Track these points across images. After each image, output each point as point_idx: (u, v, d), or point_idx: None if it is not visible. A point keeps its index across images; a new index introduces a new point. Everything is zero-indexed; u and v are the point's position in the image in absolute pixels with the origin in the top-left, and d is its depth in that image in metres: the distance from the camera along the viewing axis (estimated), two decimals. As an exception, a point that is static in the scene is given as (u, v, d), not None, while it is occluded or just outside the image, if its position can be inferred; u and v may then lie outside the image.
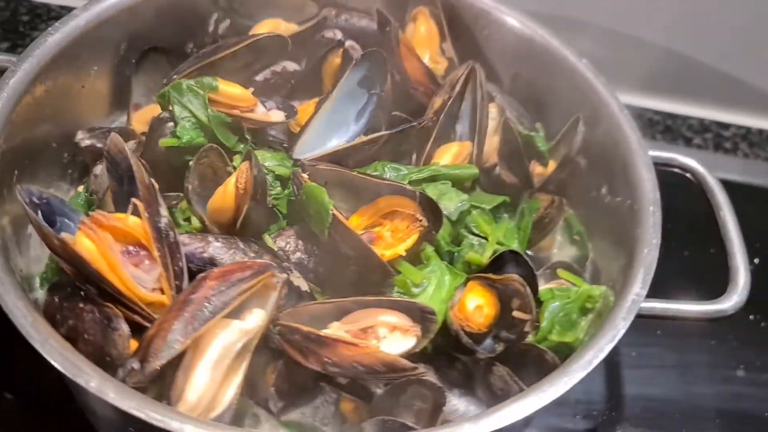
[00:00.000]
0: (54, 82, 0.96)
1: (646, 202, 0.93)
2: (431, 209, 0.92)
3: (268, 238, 0.95)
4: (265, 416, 0.89)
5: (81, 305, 0.78)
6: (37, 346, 0.68)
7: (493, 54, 1.16)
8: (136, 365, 0.72)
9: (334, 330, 0.83)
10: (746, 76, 1.55)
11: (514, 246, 1.05)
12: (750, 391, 1.17)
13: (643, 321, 1.19)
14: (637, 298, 0.83)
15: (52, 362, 0.67)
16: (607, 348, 0.78)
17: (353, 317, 0.86)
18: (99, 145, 1.01)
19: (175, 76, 1.00)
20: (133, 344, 0.77)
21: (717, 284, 0.97)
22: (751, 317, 1.27)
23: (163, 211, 0.83)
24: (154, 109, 1.08)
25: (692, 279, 1.20)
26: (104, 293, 0.79)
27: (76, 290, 0.80)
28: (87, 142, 1.01)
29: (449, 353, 0.92)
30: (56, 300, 0.80)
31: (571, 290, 0.95)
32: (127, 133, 1.05)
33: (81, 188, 1.00)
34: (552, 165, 1.09)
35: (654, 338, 1.21)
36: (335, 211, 0.89)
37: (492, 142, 1.09)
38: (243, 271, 0.81)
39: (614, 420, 1.14)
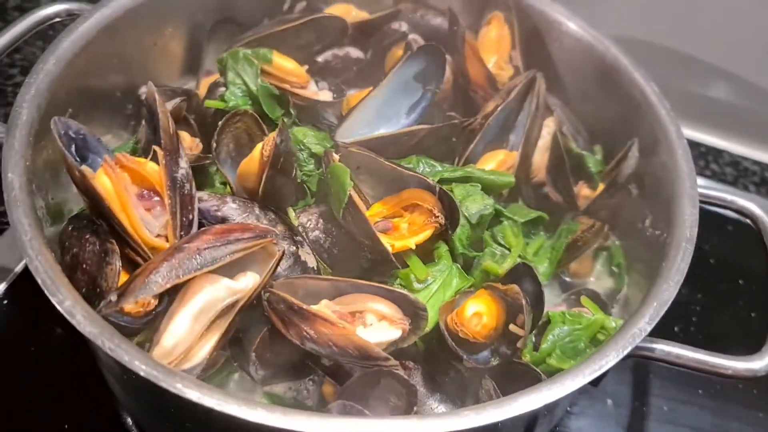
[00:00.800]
0: (125, 34, 1.02)
1: (680, 237, 0.86)
2: (449, 207, 0.89)
3: (291, 212, 0.96)
4: (250, 385, 0.90)
5: (87, 236, 0.82)
6: (27, 260, 0.72)
7: (563, 67, 1.12)
8: (113, 297, 0.74)
9: (322, 307, 0.82)
10: None
11: (545, 265, 1.01)
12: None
13: (683, 375, 1.12)
14: (638, 332, 0.76)
15: (35, 276, 0.71)
16: (590, 376, 0.73)
17: (346, 299, 0.85)
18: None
19: (235, 44, 1.04)
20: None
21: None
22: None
23: (183, 163, 0.86)
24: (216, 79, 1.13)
25: (742, 335, 1.10)
26: (113, 230, 0.83)
27: (91, 224, 0.84)
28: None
29: (445, 359, 0.89)
30: (70, 228, 0.84)
31: (584, 318, 0.89)
32: (190, 96, 1.10)
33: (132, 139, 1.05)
34: (600, 188, 1.03)
35: (694, 396, 1.12)
36: (353, 193, 0.89)
37: (543, 158, 1.05)
38: (243, 232, 0.82)
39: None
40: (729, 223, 1.28)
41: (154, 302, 0.85)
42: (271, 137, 0.91)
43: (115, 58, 1.02)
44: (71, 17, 1.01)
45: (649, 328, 0.77)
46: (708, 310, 1.20)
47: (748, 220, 0.96)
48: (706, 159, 1.43)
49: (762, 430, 1.10)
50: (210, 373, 0.86)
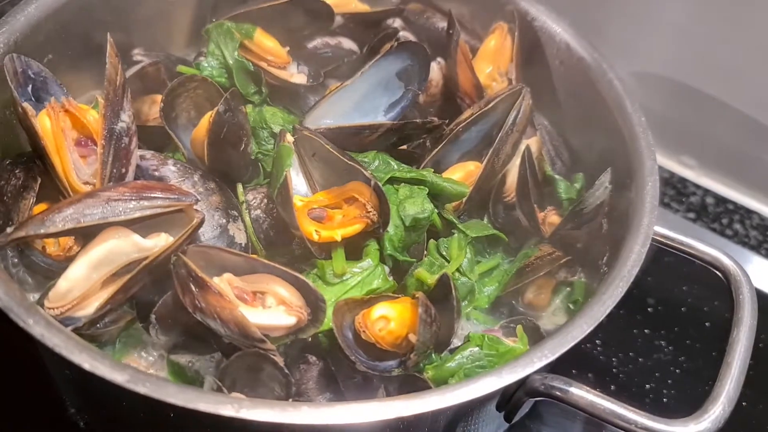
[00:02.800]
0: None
1: (616, 277, 0.78)
2: (382, 205, 0.85)
3: (240, 187, 0.95)
4: (157, 353, 0.89)
5: (17, 171, 0.85)
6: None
7: (562, 88, 1.06)
8: (9, 230, 0.75)
9: (222, 280, 0.80)
10: None
11: (492, 287, 0.95)
12: None
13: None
14: (530, 360, 0.70)
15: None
16: (458, 400, 0.66)
17: (252, 278, 0.82)
18: (141, 60, 1.08)
19: (223, 17, 1.04)
20: (37, 219, 0.81)
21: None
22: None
23: (125, 116, 0.87)
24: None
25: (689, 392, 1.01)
26: (47, 171, 0.85)
27: (28, 161, 0.87)
28: (138, 58, 1.09)
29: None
30: (7, 163, 0.87)
31: (503, 344, 0.82)
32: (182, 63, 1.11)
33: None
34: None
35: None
36: (289, 174, 0.87)
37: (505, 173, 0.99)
38: (163, 192, 0.82)
39: None
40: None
41: (76, 248, 0.86)
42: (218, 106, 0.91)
43: (110, 16, 1.04)
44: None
45: (543, 360, 0.70)
46: (689, 373, 1.10)
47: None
48: (732, 217, 1.31)
49: None
50: (111, 329, 0.85)
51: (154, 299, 0.85)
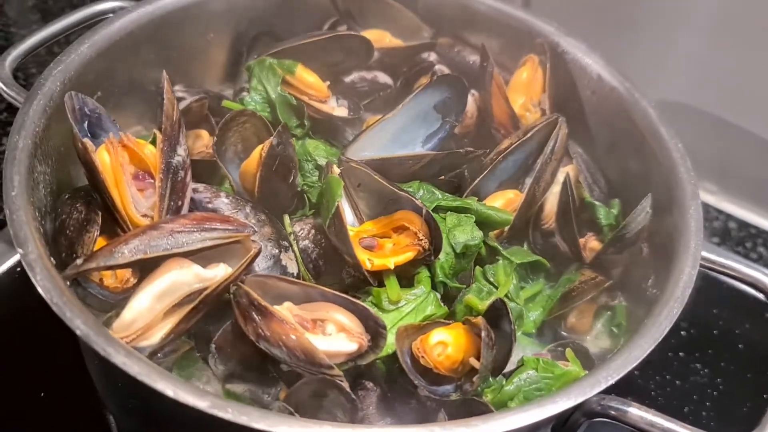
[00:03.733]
0: (166, 32, 1.07)
1: (669, 295, 0.80)
2: (434, 232, 0.87)
3: (287, 219, 0.97)
4: (212, 379, 0.89)
5: (78, 205, 0.86)
6: (6, 213, 0.76)
7: (593, 116, 1.09)
8: (79, 261, 0.77)
9: (283, 308, 0.82)
10: None
11: (537, 312, 0.97)
12: None
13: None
14: (595, 382, 0.71)
15: (9, 227, 0.74)
16: (528, 421, 0.68)
17: (311, 306, 0.84)
18: (184, 97, 1.10)
19: (265, 53, 1.07)
20: (99, 252, 0.82)
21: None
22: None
23: (181, 150, 0.89)
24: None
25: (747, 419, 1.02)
26: (105, 205, 0.86)
27: (86, 196, 0.88)
28: (180, 95, 1.11)
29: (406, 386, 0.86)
30: (66, 197, 0.88)
31: (558, 367, 0.84)
32: (220, 100, 1.14)
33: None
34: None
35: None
36: (341, 205, 0.89)
37: (555, 205, 1.01)
38: (222, 223, 0.84)
39: None
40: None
41: (133, 280, 0.87)
42: (268, 143, 0.93)
43: (153, 53, 1.07)
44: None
45: (609, 381, 0.72)
46: (725, 395, 1.11)
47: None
48: (755, 242, 1.34)
49: None
50: (172, 358, 0.86)
51: (211, 329, 0.86)
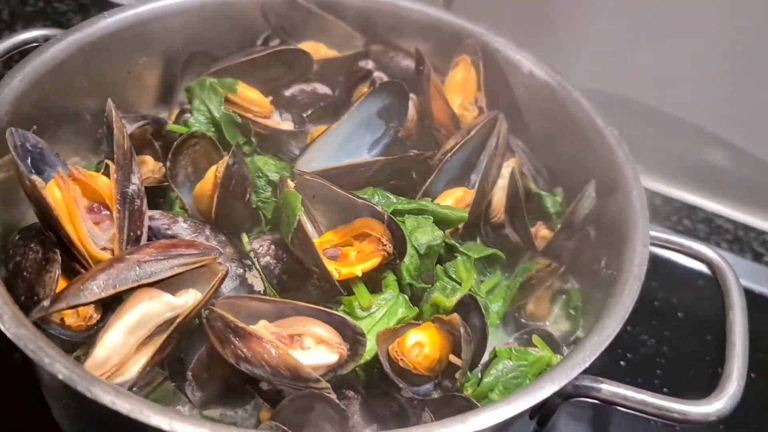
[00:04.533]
0: (98, 59, 1.04)
1: (628, 275, 0.85)
2: (397, 236, 0.89)
3: (245, 237, 0.96)
4: (189, 408, 0.88)
5: (32, 245, 0.83)
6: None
7: (527, 110, 1.13)
8: (46, 303, 0.74)
9: (259, 327, 0.82)
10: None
11: (498, 304, 1.00)
12: None
13: (642, 422, 1.09)
14: (576, 364, 0.75)
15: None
16: (522, 405, 0.71)
17: (286, 322, 0.84)
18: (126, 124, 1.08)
19: (204, 73, 1.06)
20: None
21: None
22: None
23: (135, 179, 0.87)
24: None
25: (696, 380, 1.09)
26: (60, 242, 0.83)
27: (39, 234, 0.85)
28: (116, 121, 1.09)
29: (387, 391, 0.88)
30: (17, 238, 0.85)
31: (531, 355, 0.87)
32: (159, 122, 1.12)
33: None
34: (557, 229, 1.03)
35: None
36: (302, 218, 0.89)
37: (503, 198, 1.05)
38: (187, 248, 0.83)
39: None
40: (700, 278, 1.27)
41: (96, 316, 0.85)
42: (225, 159, 0.92)
43: (86, 81, 1.04)
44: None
45: (587, 362, 0.75)
46: (673, 361, 1.18)
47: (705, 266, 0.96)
48: (679, 215, 1.43)
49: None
50: (146, 391, 0.84)
51: (182, 355, 0.85)
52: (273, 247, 0.95)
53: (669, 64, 1.36)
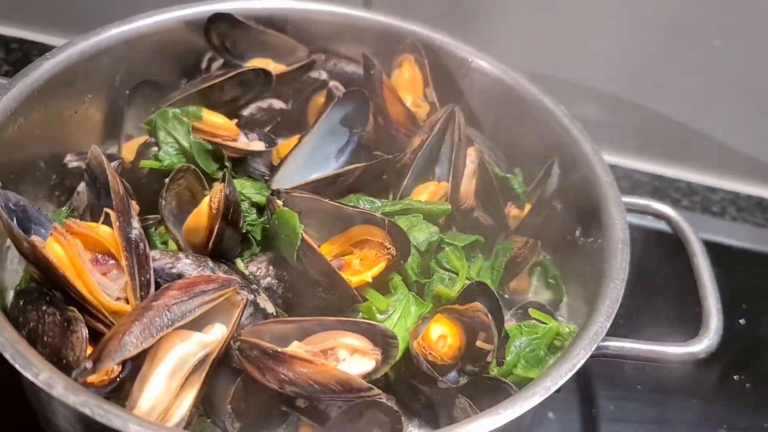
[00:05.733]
0: (46, 105, 1.00)
1: (615, 239, 0.94)
2: (399, 238, 0.92)
3: (240, 263, 0.96)
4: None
5: (44, 308, 0.79)
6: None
7: (474, 100, 1.19)
8: (89, 365, 0.72)
9: (292, 348, 0.83)
10: (739, 145, 1.58)
11: (493, 285, 1.06)
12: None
13: (622, 374, 1.20)
14: (599, 329, 0.82)
15: (2, 352, 0.68)
16: (566, 375, 0.77)
17: (315, 339, 0.86)
18: (80, 166, 1.04)
19: (162, 105, 1.04)
20: (90, 350, 0.77)
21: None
22: (736, 377, 1.25)
23: (135, 223, 0.85)
24: (144, 141, 1.13)
25: (672, 328, 1.20)
26: (70, 299, 0.80)
27: (43, 295, 0.81)
28: (74, 164, 1.05)
29: (413, 384, 0.92)
30: (21, 303, 0.81)
31: (539, 327, 0.94)
32: (115, 159, 1.09)
33: (64, 208, 1.02)
34: (528, 208, 1.10)
35: (634, 393, 1.19)
36: (305, 235, 0.90)
37: (470, 185, 1.10)
38: (207, 284, 0.82)
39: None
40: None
41: (117, 369, 0.82)
42: (218, 189, 0.92)
43: (39, 127, 1.00)
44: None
45: (608, 325, 0.83)
46: (636, 313, 1.29)
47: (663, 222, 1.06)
48: (616, 175, 1.54)
49: (698, 414, 1.19)
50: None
51: (213, 390, 0.85)
52: (271, 267, 0.96)
53: (589, 40, 1.45)
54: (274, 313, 0.91)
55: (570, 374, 0.77)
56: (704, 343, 0.91)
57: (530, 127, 1.14)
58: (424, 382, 0.88)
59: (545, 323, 0.96)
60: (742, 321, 1.32)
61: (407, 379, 0.90)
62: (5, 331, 0.70)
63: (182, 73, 1.17)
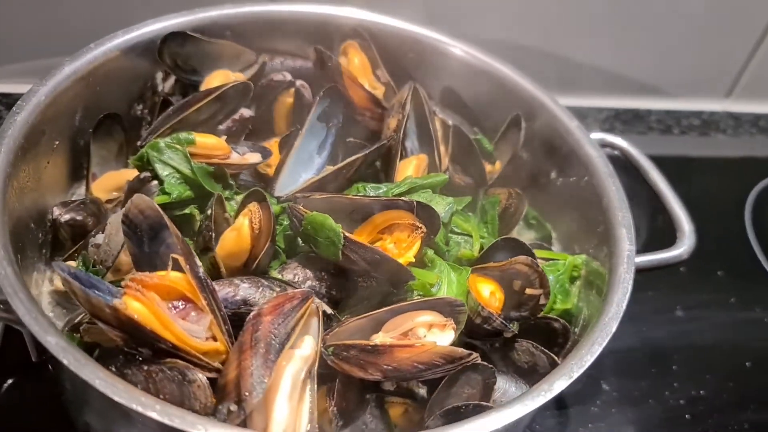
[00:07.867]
0: (28, 161, 0.93)
1: (602, 175, 1.07)
2: (428, 215, 0.98)
3: (275, 274, 0.97)
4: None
5: (145, 368, 0.77)
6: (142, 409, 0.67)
7: (421, 73, 1.25)
8: (233, 407, 0.72)
9: (381, 339, 0.88)
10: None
11: (491, 237, 1.15)
12: (691, 326, 1.34)
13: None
14: (630, 253, 0.95)
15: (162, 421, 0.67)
16: (624, 302, 0.90)
17: (390, 325, 0.90)
18: (79, 218, 0.99)
19: (149, 137, 1.00)
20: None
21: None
22: (681, 269, 1.44)
23: (198, 261, 0.84)
24: (111, 177, 1.09)
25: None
26: (159, 352, 0.79)
27: (129, 356, 0.79)
28: (66, 217, 0.98)
29: (466, 342, 0.99)
30: (113, 370, 0.78)
31: (558, 264, 1.06)
32: (98, 204, 1.04)
33: (72, 263, 0.96)
34: (499, 163, 1.21)
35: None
36: (347, 233, 0.94)
37: (445, 152, 1.18)
38: (291, 301, 0.84)
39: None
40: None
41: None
42: (255, 209, 0.93)
43: (25, 188, 0.93)
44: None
45: (634, 248, 0.97)
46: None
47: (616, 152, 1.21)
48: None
49: (656, 303, 1.36)
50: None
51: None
52: (308, 271, 0.98)
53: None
54: (333, 313, 0.95)
55: (625, 300, 0.90)
56: (686, 244, 1.08)
57: (480, 89, 1.23)
58: (483, 337, 0.96)
59: (557, 259, 1.08)
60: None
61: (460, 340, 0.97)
62: (141, 396, 0.69)
63: (135, 99, 1.12)
